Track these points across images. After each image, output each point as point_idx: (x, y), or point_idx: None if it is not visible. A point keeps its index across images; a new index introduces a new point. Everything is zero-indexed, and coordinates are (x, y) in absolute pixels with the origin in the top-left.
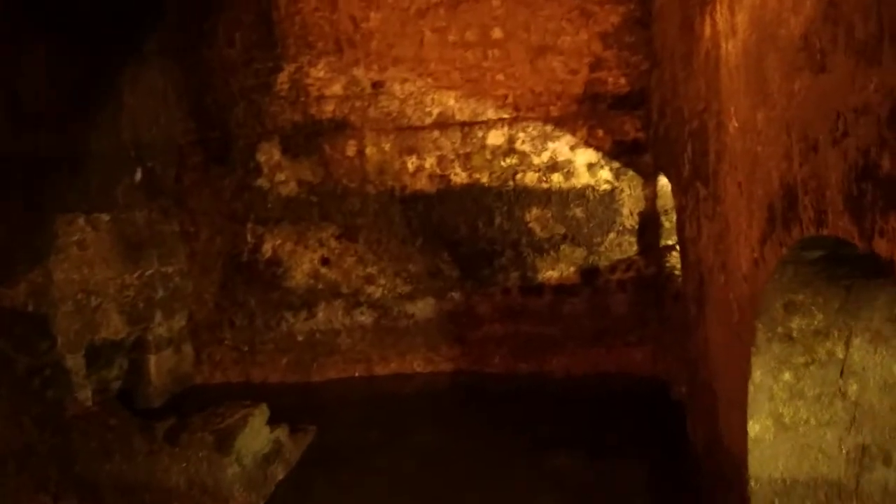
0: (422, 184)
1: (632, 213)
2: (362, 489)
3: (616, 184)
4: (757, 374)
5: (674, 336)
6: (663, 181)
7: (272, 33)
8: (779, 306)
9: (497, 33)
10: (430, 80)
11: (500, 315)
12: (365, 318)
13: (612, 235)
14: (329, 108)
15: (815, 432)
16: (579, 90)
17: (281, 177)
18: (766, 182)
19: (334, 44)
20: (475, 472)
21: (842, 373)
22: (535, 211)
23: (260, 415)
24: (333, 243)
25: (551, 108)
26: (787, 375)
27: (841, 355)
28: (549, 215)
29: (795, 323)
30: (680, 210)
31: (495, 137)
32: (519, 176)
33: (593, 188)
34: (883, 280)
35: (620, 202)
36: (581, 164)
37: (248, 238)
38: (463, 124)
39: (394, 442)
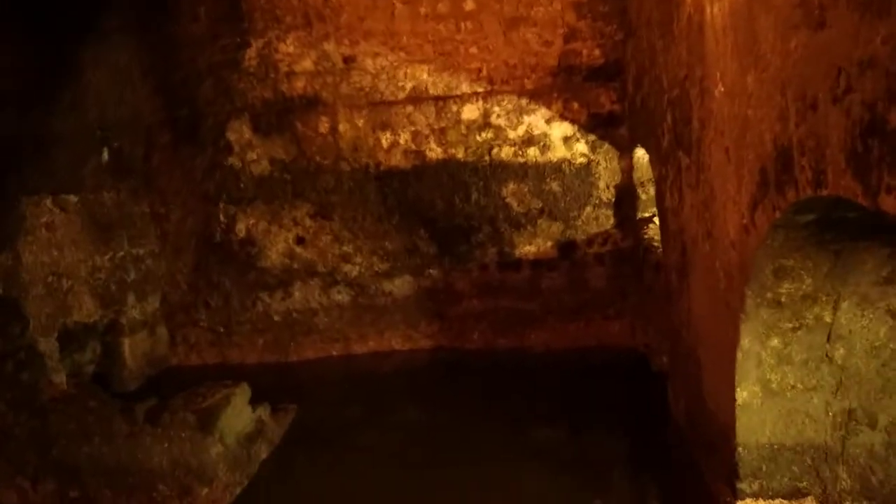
0: (397, 160)
1: (608, 186)
2: (346, 467)
3: (592, 157)
4: (745, 341)
5: (654, 307)
6: (639, 153)
7: (238, 7)
8: (768, 272)
9: (469, 5)
10: (402, 53)
11: (479, 291)
12: (342, 296)
13: (588, 209)
14: (300, 84)
15: (801, 397)
16: (554, 62)
17: (252, 155)
18: (757, 146)
19: (303, 18)
20: (458, 448)
21: (829, 337)
22: (511, 185)
23: (242, 394)
24: (308, 222)
25: (526, 80)
26: (775, 341)
27: (829, 320)
28: (526, 190)
29: (784, 288)
30: (659, 180)
31: (470, 112)
32: (495, 150)
33: (569, 161)
34: (872, 243)
35: (597, 175)
36: (557, 137)
37: (221, 218)
38: (437, 98)
39: (375, 419)
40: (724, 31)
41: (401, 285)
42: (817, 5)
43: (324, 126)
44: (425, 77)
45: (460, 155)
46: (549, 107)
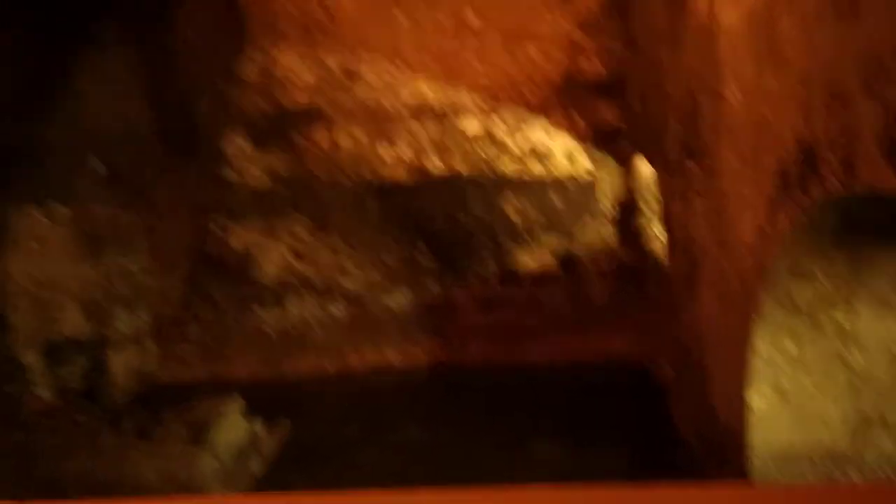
0: (398, 174)
1: (610, 201)
2: (345, 486)
3: (594, 171)
4: (760, 344)
5: (658, 320)
6: (642, 168)
7: (238, 19)
8: (785, 274)
9: (473, 19)
10: (405, 67)
11: (479, 305)
12: (339, 311)
13: (590, 223)
14: (299, 96)
15: (816, 402)
16: (557, 77)
17: (250, 168)
18: (776, 147)
19: (304, 30)
20: (459, 465)
21: (844, 341)
22: (513, 200)
23: (235, 407)
24: (306, 236)
25: (530, 95)
26: (790, 345)
27: (844, 323)
28: (528, 204)
29: (801, 290)
30: (666, 192)
31: (472, 125)
32: (497, 164)
33: (571, 176)
34: (891, 244)
35: (599, 190)
36: (559, 151)
37: (216, 231)
38: (439, 113)
39: (374, 437)
40: (741, 35)
41: (399, 299)
42: None
43: (324, 139)
44: (427, 91)
45: (462, 169)
46: (551, 121)
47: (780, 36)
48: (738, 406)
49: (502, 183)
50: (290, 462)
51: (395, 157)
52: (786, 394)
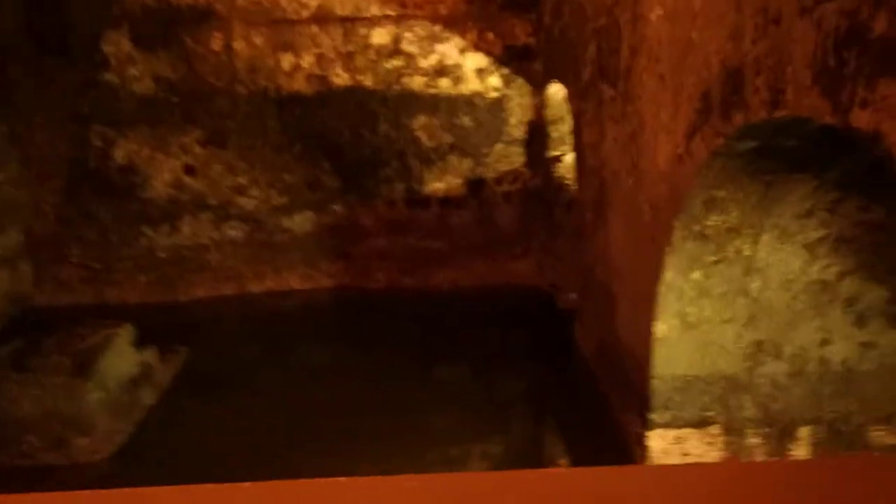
0: (299, 84)
1: (519, 123)
2: (243, 410)
3: (505, 91)
4: (668, 274)
5: (564, 245)
6: (553, 89)
7: None
8: (699, 203)
9: None
10: None
11: (385, 228)
12: (236, 232)
13: (499, 146)
14: None
15: (716, 330)
16: None
17: (133, 71)
18: (700, 70)
19: None
20: (363, 388)
21: (747, 270)
22: (421, 118)
23: (124, 335)
24: (199, 150)
25: (440, 6)
26: (696, 274)
27: (748, 252)
28: (437, 123)
29: (712, 220)
30: (578, 115)
31: (380, 36)
32: (405, 79)
33: (482, 95)
34: (803, 175)
35: (508, 111)
36: (470, 69)
37: (96, 142)
38: (345, 20)
39: (274, 361)
40: None
41: (301, 221)
42: None
43: (217, 43)
44: None
45: (368, 82)
46: (463, 36)
47: None
48: (644, 332)
49: (411, 100)
50: (184, 388)
51: (296, 66)
52: (689, 322)
